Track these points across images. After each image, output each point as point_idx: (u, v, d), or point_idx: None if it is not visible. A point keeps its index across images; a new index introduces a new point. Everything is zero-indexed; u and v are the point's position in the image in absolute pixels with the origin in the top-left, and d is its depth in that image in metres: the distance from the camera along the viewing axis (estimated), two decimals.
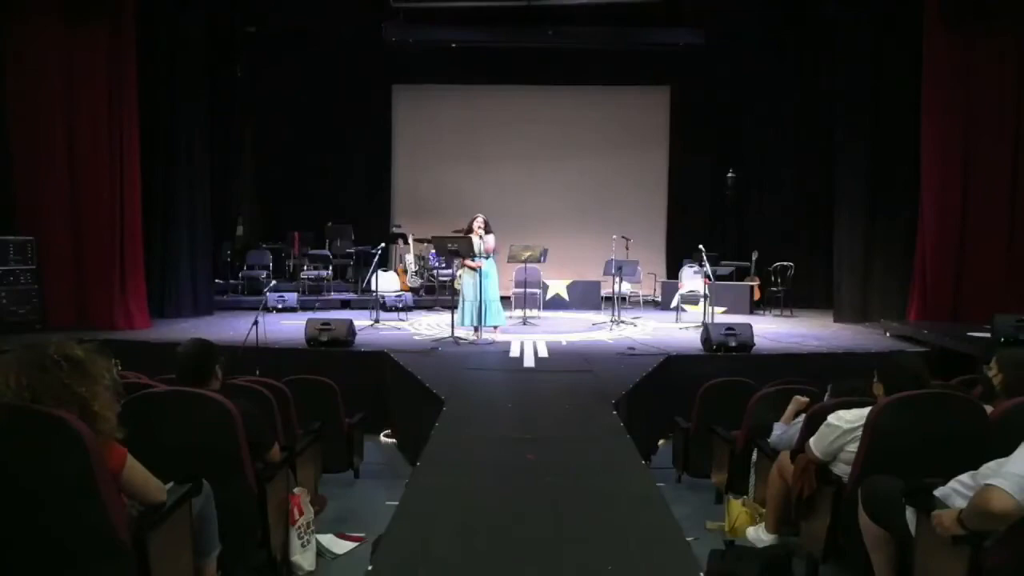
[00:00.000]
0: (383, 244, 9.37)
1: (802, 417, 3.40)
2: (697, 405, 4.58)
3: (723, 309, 9.42)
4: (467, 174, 12.43)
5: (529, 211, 12.04)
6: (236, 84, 11.01)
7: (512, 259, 9.07)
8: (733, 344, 6.47)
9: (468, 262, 7.49)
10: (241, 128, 11.72)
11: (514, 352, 6.75)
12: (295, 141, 12.05)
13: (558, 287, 10.78)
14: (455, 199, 11.83)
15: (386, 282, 9.65)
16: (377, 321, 8.44)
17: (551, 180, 12.49)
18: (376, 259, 9.03)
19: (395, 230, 11.83)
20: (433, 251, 10.63)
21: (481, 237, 7.45)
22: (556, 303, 10.62)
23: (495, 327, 7.63)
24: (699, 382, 4.75)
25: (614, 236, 9.63)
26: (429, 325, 8.60)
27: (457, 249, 7.43)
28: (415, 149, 12.66)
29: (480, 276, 7.41)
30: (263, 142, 12.29)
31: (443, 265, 10.73)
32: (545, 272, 10.24)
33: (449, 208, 11.50)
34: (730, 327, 6.65)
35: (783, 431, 3.53)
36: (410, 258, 10.99)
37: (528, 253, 8.95)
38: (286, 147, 12.09)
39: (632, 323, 8.88)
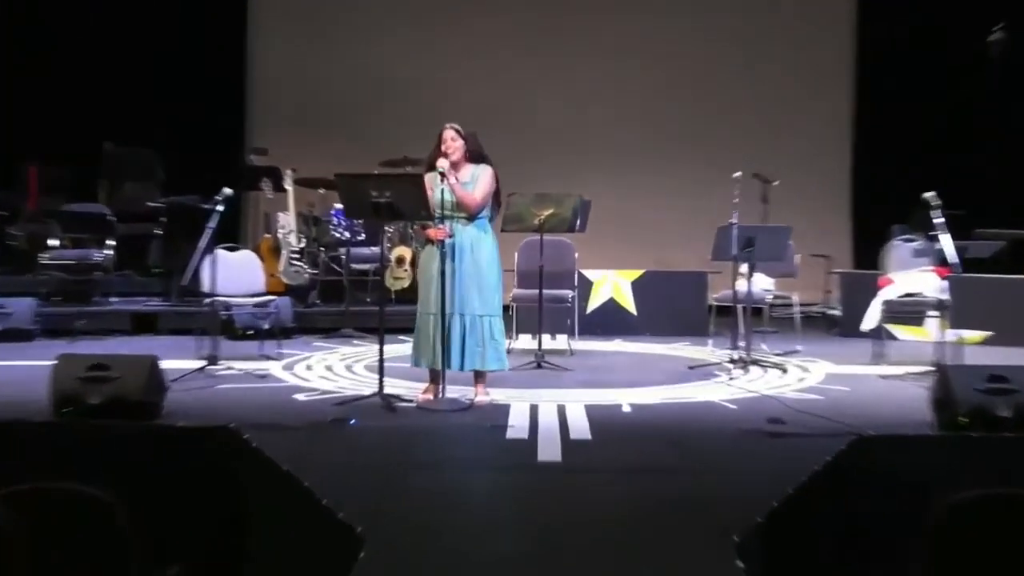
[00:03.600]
0: (228, 191, 8.10)
1: None
2: (929, 548, 3.45)
3: (983, 335, 8.48)
4: (415, 53, 11.97)
5: (552, 132, 11.72)
6: None
7: (512, 223, 8.20)
8: (1006, 413, 5.94)
9: (430, 230, 6.65)
10: None
11: (516, 428, 6.22)
12: None
13: (612, 284, 10.03)
14: (392, 100, 11.61)
15: (235, 274, 8.64)
16: (214, 361, 7.77)
17: (596, 72, 12.08)
18: (213, 224, 8.03)
19: (253, 160, 10.98)
20: (337, 207, 9.75)
21: (455, 175, 6.46)
22: (608, 318, 9.88)
23: (480, 376, 6.66)
24: (930, 495, 3.64)
25: (736, 174, 8.27)
26: (329, 368, 8.21)
27: (393, 202, 6.47)
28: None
29: (456, 258, 6.51)
30: None
31: (360, 236, 9.94)
32: (583, 253, 9.29)
33: (372, 115, 11.39)
34: (998, 375, 6.08)
35: None
36: (287, 220, 9.99)
37: (547, 212, 8.16)
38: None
39: (779, 365, 8.28)
